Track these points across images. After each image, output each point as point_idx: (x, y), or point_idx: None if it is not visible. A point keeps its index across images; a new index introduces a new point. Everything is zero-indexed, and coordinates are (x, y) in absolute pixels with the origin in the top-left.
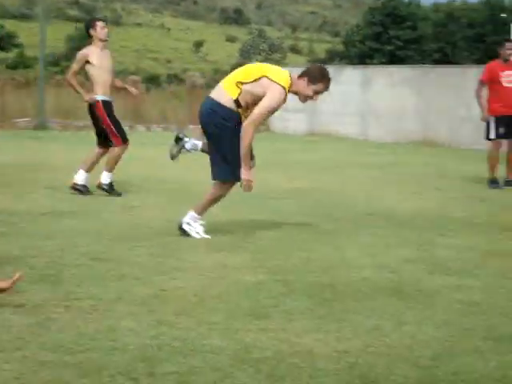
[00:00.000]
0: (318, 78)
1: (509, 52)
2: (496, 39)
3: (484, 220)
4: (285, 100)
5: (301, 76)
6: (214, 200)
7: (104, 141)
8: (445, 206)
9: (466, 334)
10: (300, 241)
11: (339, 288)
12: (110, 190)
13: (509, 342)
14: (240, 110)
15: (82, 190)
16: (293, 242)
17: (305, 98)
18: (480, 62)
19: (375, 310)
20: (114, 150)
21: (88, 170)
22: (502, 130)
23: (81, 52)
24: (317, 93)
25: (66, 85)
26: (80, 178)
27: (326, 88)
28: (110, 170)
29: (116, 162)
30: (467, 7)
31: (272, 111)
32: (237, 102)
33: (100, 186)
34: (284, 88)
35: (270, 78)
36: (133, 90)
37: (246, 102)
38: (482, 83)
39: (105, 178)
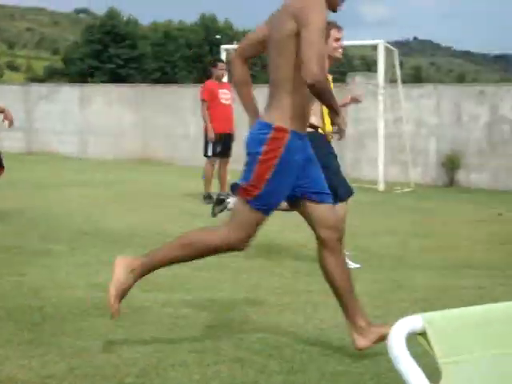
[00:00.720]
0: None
1: (221, 72)
2: (216, 58)
3: None
4: None
5: None
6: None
7: None
8: (162, 223)
9: (173, 349)
10: (10, 264)
11: (49, 310)
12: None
13: (212, 354)
14: None
15: None
16: (2, 265)
17: (336, 52)
18: (199, 81)
19: (85, 330)
20: None
21: None
22: (218, 149)
23: None
24: (336, 40)
25: None
26: None
27: (336, 29)
28: None
29: None
30: (184, 27)
31: None
32: None
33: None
34: None
35: None
36: None
37: None
38: (203, 102)
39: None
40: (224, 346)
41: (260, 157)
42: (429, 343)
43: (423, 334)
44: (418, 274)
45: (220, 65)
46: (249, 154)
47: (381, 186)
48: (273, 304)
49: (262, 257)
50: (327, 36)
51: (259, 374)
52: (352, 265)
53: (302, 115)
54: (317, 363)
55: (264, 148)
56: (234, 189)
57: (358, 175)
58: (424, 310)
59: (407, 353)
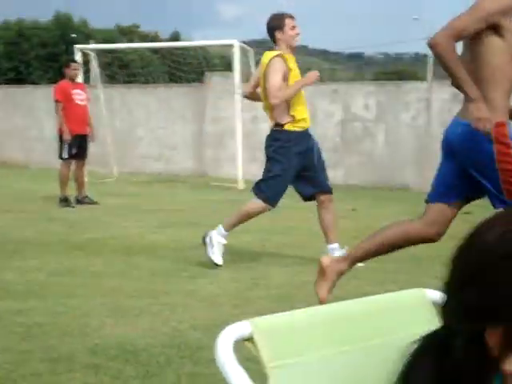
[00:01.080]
0: (280, 24)
1: (74, 72)
2: (69, 58)
3: (54, 239)
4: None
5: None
6: None
7: None
8: (17, 227)
9: (25, 358)
10: None
11: None
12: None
13: (65, 362)
14: None
15: None
16: None
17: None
18: (54, 81)
19: None
20: None
21: None
22: (74, 150)
23: None
24: (293, 28)
25: None
26: None
27: (290, 18)
28: None
29: None
30: (38, 26)
31: None
32: None
33: None
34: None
35: None
36: None
37: None
38: (57, 103)
39: None
40: (79, 353)
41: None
42: (256, 348)
43: (251, 339)
44: (275, 271)
45: (73, 65)
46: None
47: (240, 185)
48: (130, 308)
49: (120, 260)
50: (283, 25)
51: (114, 379)
52: (217, 260)
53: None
54: (173, 366)
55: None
56: None
57: (218, 174)
58: (281, 307)
59: (234, 359)
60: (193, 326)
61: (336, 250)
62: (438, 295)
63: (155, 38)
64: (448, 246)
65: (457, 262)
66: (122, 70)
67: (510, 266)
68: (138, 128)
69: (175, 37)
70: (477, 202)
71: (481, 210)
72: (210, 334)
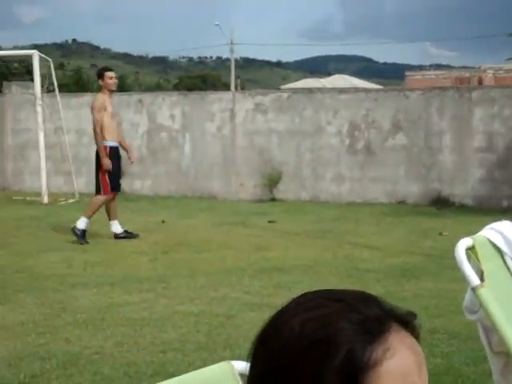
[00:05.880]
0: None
1: None
2: None
3: None
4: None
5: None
6: None
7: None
8: None
9: None
10: None
11: None
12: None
13: None
14: None
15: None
16: None
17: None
18: None
19: None
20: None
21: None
22: None
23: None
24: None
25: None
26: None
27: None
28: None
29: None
30: None
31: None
32: None
33: (73, 230)
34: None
35: None
36: None
37: None
38: None
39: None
40: None
41: None
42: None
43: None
44: (83, 292)
45: None
46: None
47: (45, 198)
48: None
49: None
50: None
51: None
52: None
53: None
54: None
55: None
56: None
57: (20, 187)
58: (89, 332)
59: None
60: None
61: None
62: (246, 366)
63: None
64: (255, 257)
65: (262, 350)
66: None
67: (313, 354)
68: None
69: None
70: (280, 210)
71: (285, 219)
72: (14, 369)
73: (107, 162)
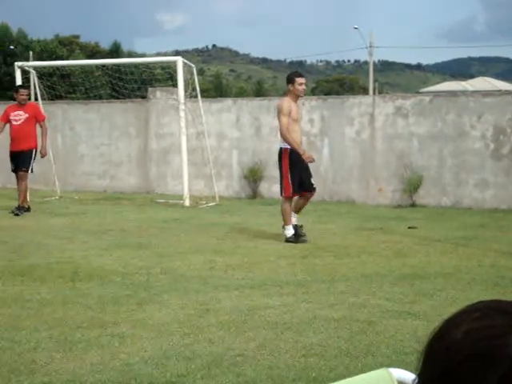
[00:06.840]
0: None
1: (22, 97)
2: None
3: None
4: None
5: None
6: None
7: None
8: None
9: None
10: None
11: None
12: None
13: None
14: None
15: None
16: None
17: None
18: None
19: None
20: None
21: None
22: (12, 166)
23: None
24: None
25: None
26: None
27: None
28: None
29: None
30: None
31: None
32: None
33: (288, 241)
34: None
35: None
36: None
37: None
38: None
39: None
40: None
41: None
42: None
43: None
44: (225, 295)
45: (21, 91)
46: None
47: (186, 201)
48: (78, 340)
49: (66, 286)
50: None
51: None
52: None
53: None
54: None
55: None
56: None
57: (163, 190)
58: (231, 334)
59: None
60: (143, 358)
61: None
62: (402, 374)
63: (95, 49)
64: (396, 263)
65: (427, 357)
66: (63, 81)
67: (474, 365)
68: (81, 145)
69: (116, 47)
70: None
71: (426, 225)
72: (161, 368)
73: (308, 155)
